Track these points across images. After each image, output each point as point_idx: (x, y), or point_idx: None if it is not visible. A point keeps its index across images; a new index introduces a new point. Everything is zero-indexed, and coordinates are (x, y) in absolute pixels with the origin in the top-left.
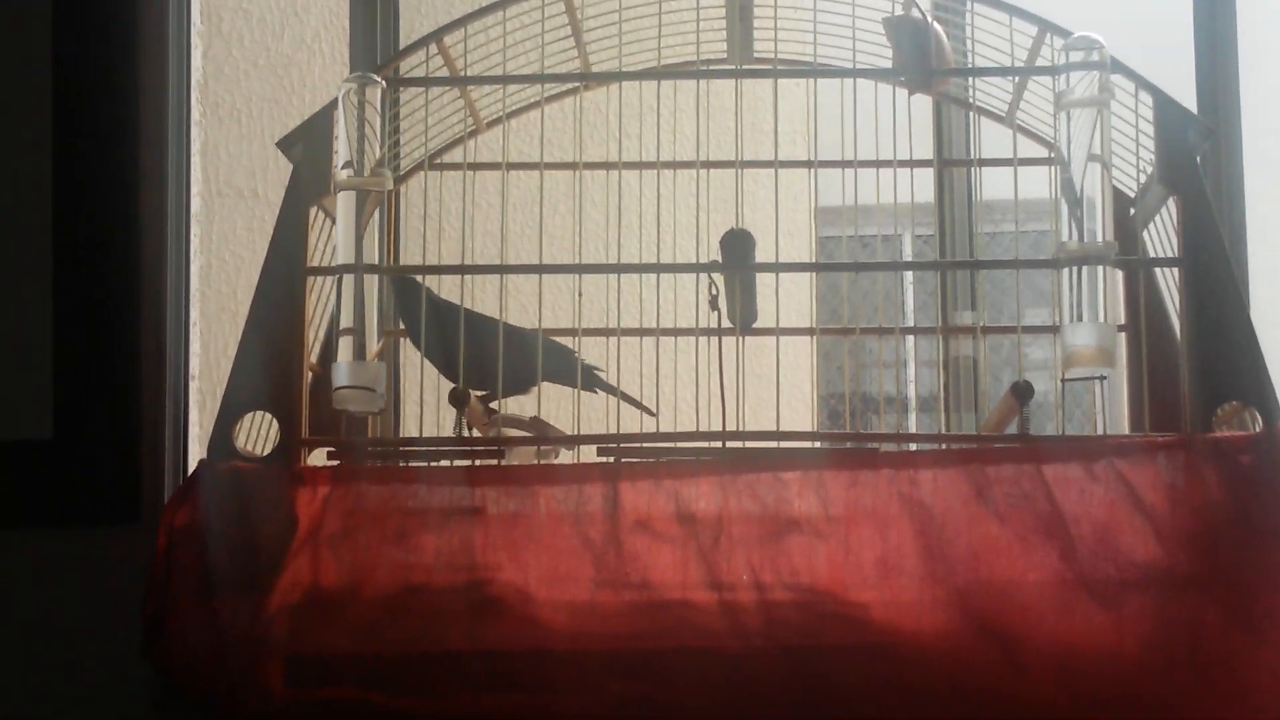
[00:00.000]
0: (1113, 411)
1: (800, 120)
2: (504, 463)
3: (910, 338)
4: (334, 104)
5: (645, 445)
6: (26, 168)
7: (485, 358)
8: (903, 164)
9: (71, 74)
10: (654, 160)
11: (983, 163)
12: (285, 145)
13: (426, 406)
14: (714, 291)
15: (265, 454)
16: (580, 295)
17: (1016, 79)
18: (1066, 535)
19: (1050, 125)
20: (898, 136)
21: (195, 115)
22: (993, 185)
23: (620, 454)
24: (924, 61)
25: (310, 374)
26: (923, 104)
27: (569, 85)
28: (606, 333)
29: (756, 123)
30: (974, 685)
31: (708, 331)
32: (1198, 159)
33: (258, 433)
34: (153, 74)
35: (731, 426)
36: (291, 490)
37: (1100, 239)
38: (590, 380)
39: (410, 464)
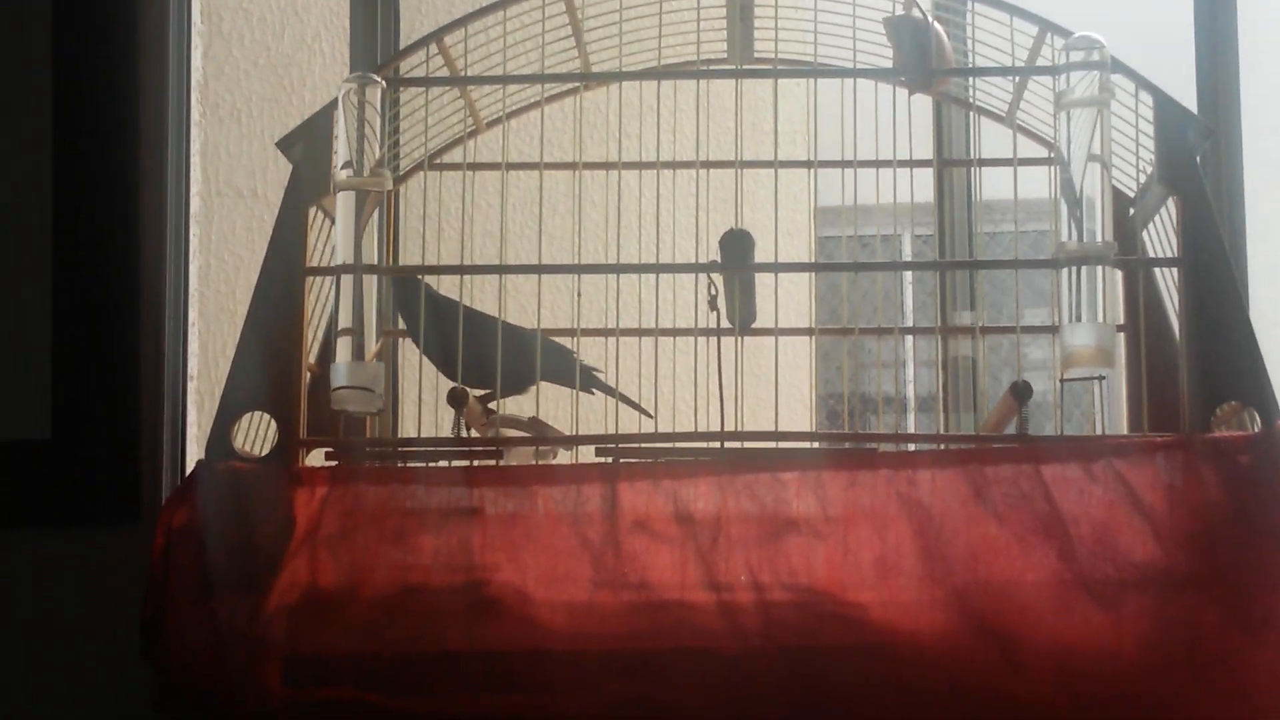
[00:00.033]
0: (1112, 411)
1: (800, 120)
2: (502, 463)
3: (909, 337)
4: (334, 104)
5: (644, 445)
6: (26, 167)
7: (484, 356)
8: (902, 164)
9: (71, 74)
10: (654, 160)
11: (983, 163)
12: (285, 145)
13: (425, 407)
14: (713, 292)
15: (263, 454)
16: (579, 295)
17: (1017, 79)
18: (1065, 535)
19: (1050, 125)
20: (898, 136)
21: (195, 115)
22: (992, 185)
23: (619, 454)
24: (924, 61)
25: (309, 374)
26: (923, 104)
27: (569, 85)
28: (605, 333)
29: (756, 123)
30: (973, 685)
31: (707, 332)
32: (1198, 159)
33: (256, 433)
34: (153, 74)
35: (730, 427)
36: (290, 491)
37: (1100, 239)
38: (588, 381)
39: (408, 464)
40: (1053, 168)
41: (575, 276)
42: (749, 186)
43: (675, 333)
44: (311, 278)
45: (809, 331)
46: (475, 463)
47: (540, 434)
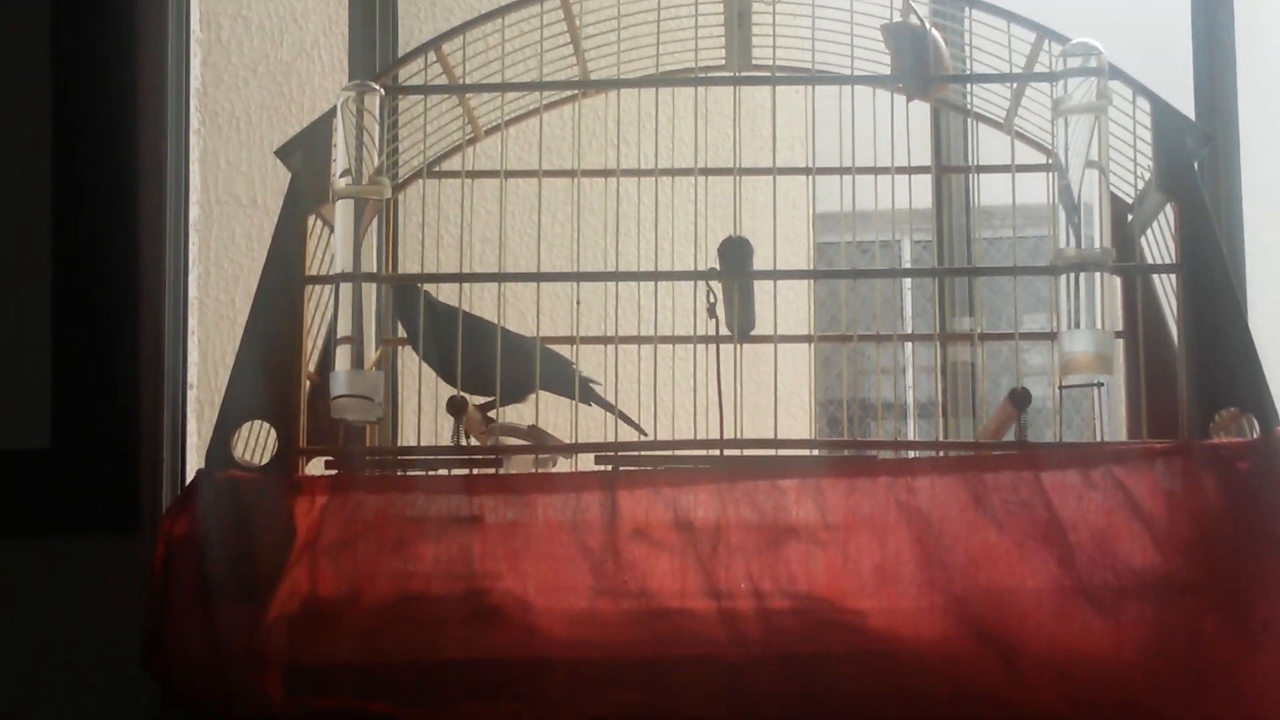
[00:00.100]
0: (1111, 418)
1: (798, 127)
2: (502, 471)
3: (909, 344)
4: (333, 112)
5: (643, 453)
6: (26, 176)
7: (483, 364)
8: (901, 170)
9: (70, 82)
10: (652, 167)
11: (981, 169)
12: (284, 154)
13: (424, 415)
14: (712, 299)
15: (263, 463)
16: (578, 303)
17: (1014, 85)
18: (1064, 542)
19: (1048, 131)
20: (896, 143)
21: (194, 123)
22: (991, 191)
23: (618, 462)
24: (922, 68)
25: (308, 383)
26: (921, 110)
27: (567, 93)
28: (605, 340)
29: (755, 129)
30: (972, 692)
31: (706, 339)
32: (1195, 165)
33: (256, 442)
34: (151, 81)
35: (730, 434)
36: (289, 500)
37: (1098, 245)
38: (586, 394)
39: (408, 473)
40: (1051, 174)
41: (574, 284)
42: (747, 193)
43: (674, 340)
44: (311, 286)
45: (808, 339)
46: (475, 471)
47: (540, 442)
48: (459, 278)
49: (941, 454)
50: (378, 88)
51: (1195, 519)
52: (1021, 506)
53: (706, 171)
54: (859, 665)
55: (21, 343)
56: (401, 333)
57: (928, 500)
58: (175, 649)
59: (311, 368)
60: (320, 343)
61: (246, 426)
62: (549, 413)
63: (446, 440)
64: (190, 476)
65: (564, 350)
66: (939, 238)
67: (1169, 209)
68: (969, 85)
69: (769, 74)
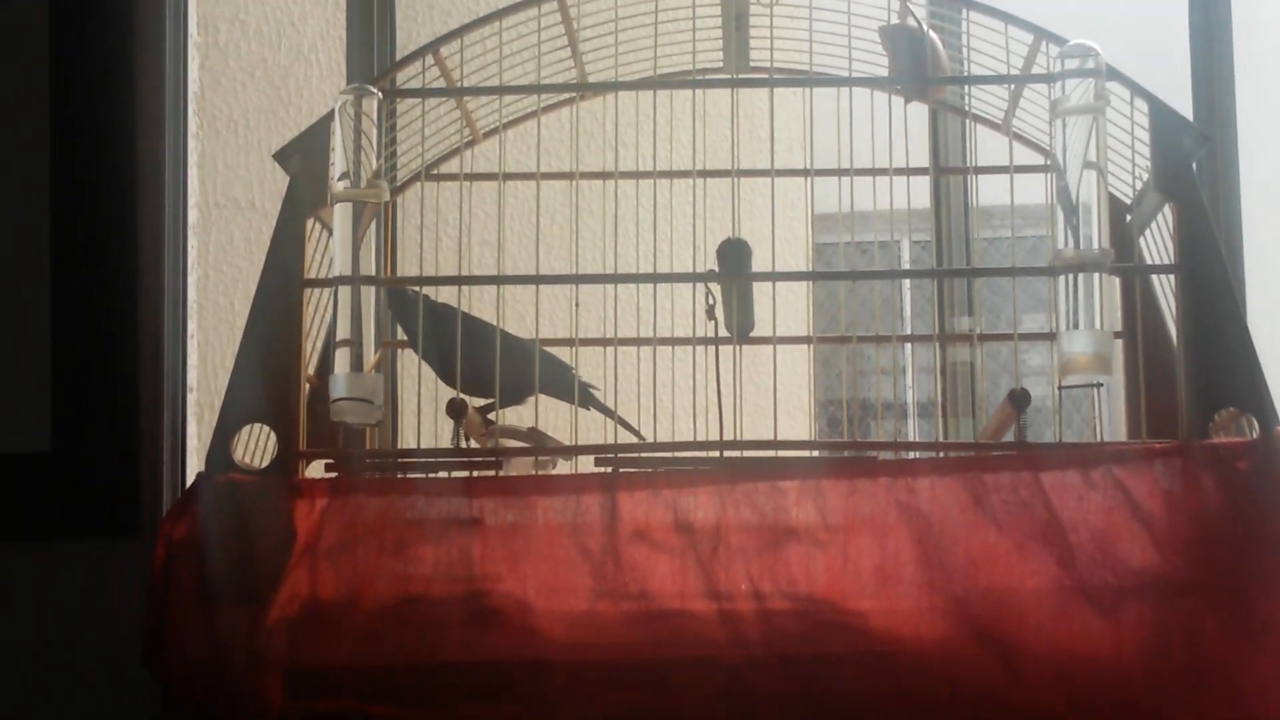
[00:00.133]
0: (1112, 418)
1: (796, 128)
2: (502, 473)
3: (908, 344)
4: (330, 115)
5: (643, 455)
6: (25, 181)
7: (483, 366)
8: (899, 172)
9: (67, 86)
10: (651, 169)
11: (979, 170)
12: (282, 157)
13: (424, 417)
14: (711, 301)
15: (263, 466)
16: (577, 305)
17: (1012, 86)
18: (1064, 542)
19: (1046, 132)
20: (894, 144)
21: (192, 127)
22: (989, 191)
23: (618, 464)
24: (920, 70)
25: (308, 386)
26: (919, 112)
27: (565, 95)
28: (604, 342)
29: (753, 131)
30: (972, 693)
31: (705, 340)
32: (1194, 166)
33: (256, 445)
34: (149, 85)
35: (729, 435)
36: (289, 503)
37: (1096, 246)
38: (585, 398)
39: (408, 475)
40: (1049, 175)
41: (573, 286)
42: (746, 195)
43: (673, 342)
44: (310, 289)
45: (807, 340)
46: (475, 473)
47: (539, 444)
48: (458, 280)
49: (941, 455)
50: (376, 91)
51: (1195, 519)
52: (1021, 507)
53: (705, 173)
54: (859, 666)
55: (21, 346)
56: (401, 335)
57: (928, 501)
58: (175, 652)
59: (311, 371)
60: (319, 346)
61: (246, 429)
62: (549, 415)
63: (446, 443)
64: (190, 479)
65: (563, 353)
66: (937, 238)
67: (1167, 209)
68: (967, 87)
69: (766, 76)
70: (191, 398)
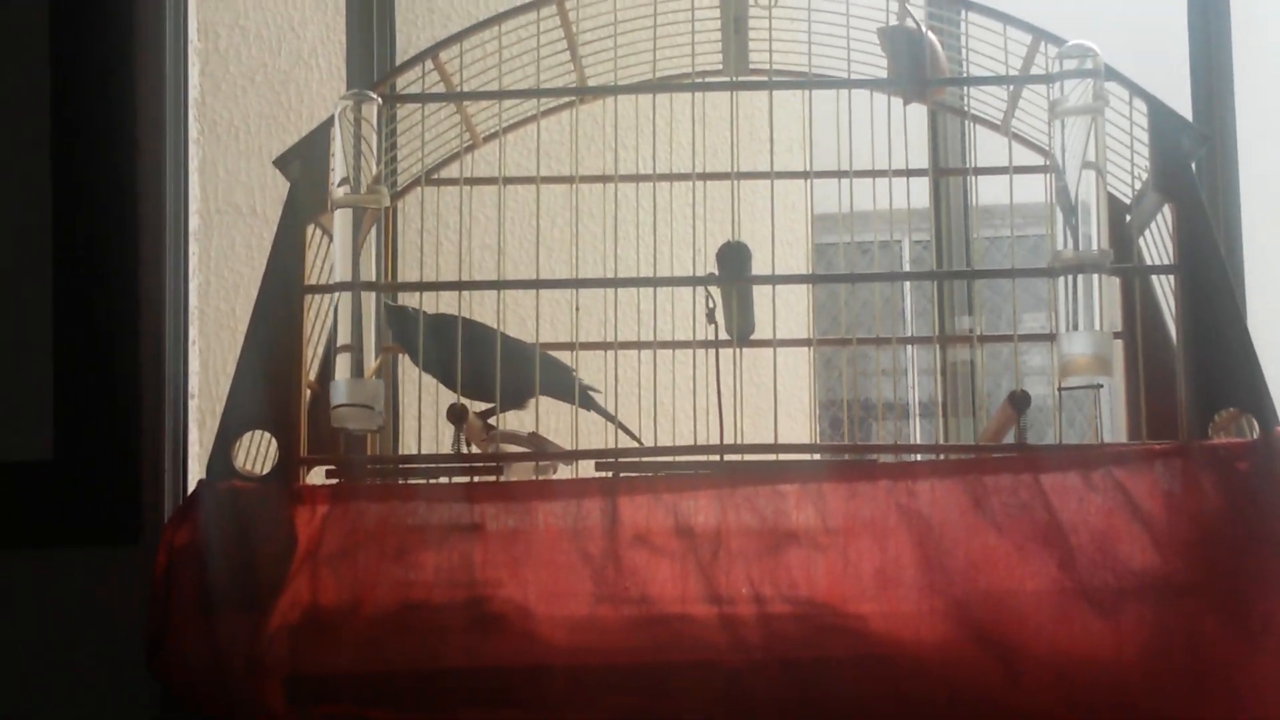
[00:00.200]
0: (1113, 419)
1: (796, 130)
2: (502, 479)
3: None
4: (331, 121)
5: (643, 459)
6: (27, 191)
7: (483, 371)
8: (898, 173)
9: (67, 92)
10: (651, 172)
11: (978, 171)
12: (282, 163)
13: (425, 423)
14: (711, 304)
15: (264, 473)
16: (578, 309)
17: (1011, 87)
18: (1065, 544)
19: (1045, 133)
20: (893, 146)
21: (193, 133)
22: (989, 191)
23: (618, 469)
24: (919, 71)
25: (309, 392)
26: (918, 113)
27: (565, 99)
28: (604, 346)
29: (753, 133)
30: (972, 696)
31: (705, 344)
32: (1193, 166)
33: (257, 451)
34: (150, 91)
35: (730, 438)
36: (290, 509)
37: (1096, 247)
38: (585, 401)
39: (409, 481)
40: (1048, 175)
41: (574, 290)
42: (746, 197)
43: (674, 345)
44: (310, 295)
45: (807, 342)
46: (476, 479)
47: (540, 449)
48: (458, 285)
49: (941, 457)
50: (375, 96)
51: (1195, 520)
52: (1022, 509)
53: (705, 176)
54: (859, 670)
55: (23, 354)
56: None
57: (928, 504)
58: (176, 658)
59: (312, 377)
60: (320, 352)
61: (247, 436)
62: (549, 419)
63: (447, 448)
64: (192, 486)
65: (564, 356)
66: (937, 239)
67: (1167, 209)
68: (966, 88)
69: (766, 79)
70: (193, 404)
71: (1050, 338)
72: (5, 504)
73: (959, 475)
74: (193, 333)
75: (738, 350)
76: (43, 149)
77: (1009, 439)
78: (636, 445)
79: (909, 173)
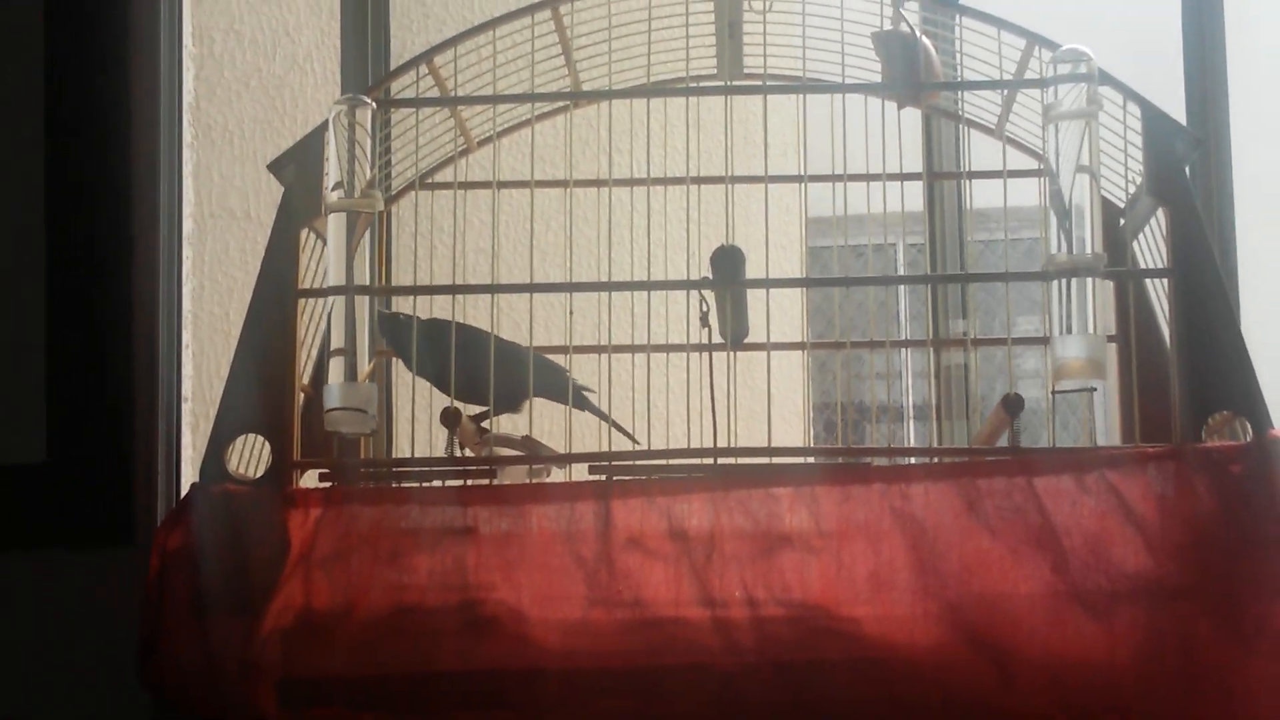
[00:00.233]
0: (1106, 422)
1: (791, 134)
2: (496, 482)
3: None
4: (325, 125)
5: (637, 463)
6: (21, 195)
7: (477, 375)
8: (893, 177)
9: (62, 96)
10: (645, 176)
11: (972, 175)
12: (276, 167)
13: (418, 426)
14: (705, 308)
15: (257, 476)
16: (571, 313)
17: (1005, 92)
18: (1058, 547)
19: (1039, 137)
20: (888, 150)
21: (187, 137)
22: (983, 195)
23: (612, 472)
24: (913, 75)
25: (302, 396)
26: (912, 117)
27: (559, 103)
28: (598, 349)
29: (747, 137)
30: (966, 699)
31: (699, 347)
32: (1186, 170)
33: (250, 455)
34: (145, 95)
35: (724, 441)
36: (284, 512)
37: (1089, 250)
38: (580, 401)
39: (403, 485)
40: (1042, 179)
41: (568, 294)
42: (740, 201)
43: (668, 348)
44: (304, 299)
45: (801, 345)
46: (469, 482)
47: (534, 453)
48: (452, 289)
49: (935, 460)
50: (370, 101)
51: (1188, 523)
52: (1015, 512)
53: (699, 180)
54: (852, 673)
55: (17, 357)
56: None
57: (922, 507)
58: (170, 661)
59: (305, 381)
60: (314, 355)
61: (241, 440)
62: (543, 422)
63: (441, 452)
64: (185, 490)
65: (558, 359)
66: (931, 242)
67: (1160, 213)
68: (960, 92)
69: (760, 83)
70: (186, 407)
71: (1044, 341)
72: None
73: (953, 478)
74: (186, 336)
75: (732, 353)
76: (38, 153)
77: (1003, 442)
78: (631, 446)
79: (903, 177)
